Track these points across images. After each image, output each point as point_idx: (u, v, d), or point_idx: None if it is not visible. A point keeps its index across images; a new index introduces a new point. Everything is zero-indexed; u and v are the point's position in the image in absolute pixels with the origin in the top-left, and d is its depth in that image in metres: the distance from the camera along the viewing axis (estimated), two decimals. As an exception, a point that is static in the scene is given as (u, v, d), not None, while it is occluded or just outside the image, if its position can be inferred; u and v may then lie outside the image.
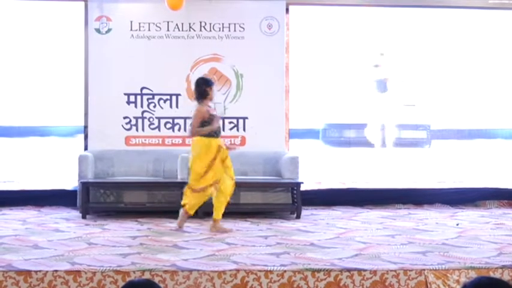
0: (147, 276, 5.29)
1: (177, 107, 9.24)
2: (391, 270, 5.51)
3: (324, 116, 10.18)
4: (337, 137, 10.38)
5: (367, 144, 10.15)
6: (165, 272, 5.41)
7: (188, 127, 7.67)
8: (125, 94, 9.24)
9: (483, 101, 10.23)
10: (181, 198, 8.24)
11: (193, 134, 7.50)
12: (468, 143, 10.34)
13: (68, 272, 5.36)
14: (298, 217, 8.49)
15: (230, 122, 9.26)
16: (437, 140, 10.38)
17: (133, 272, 5.39)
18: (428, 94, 10.17)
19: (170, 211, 8.39)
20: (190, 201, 7.54)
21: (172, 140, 9.23)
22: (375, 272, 5.49)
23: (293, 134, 9.70)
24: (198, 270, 5.44)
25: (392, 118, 10.15)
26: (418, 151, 10.39)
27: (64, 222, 8.09)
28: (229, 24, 9.29)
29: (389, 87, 10.08)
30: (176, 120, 9.24)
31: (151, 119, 9.25)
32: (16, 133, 9.85)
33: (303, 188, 8.74)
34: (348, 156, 10.18)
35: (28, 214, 8.63)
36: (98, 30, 9.21)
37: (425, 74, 10.13)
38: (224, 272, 5.42)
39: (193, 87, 7.81)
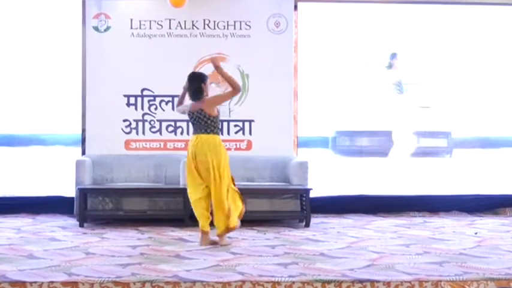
0: (148, 287, 5.29)
1: (179, 109, 9.15)
2: (406, 282, 5.47)
3: (334, 123, 10.16)
4: (348, 145, 10.31)
5: (381, 153, 10.06)
6: (167, 283, 5.38)
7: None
8: (125, 96, 9.19)
9: (505, 108, 10.05)
10: (184, 205, 8.23)
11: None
12: (490, 152, 10.22)
13: (64, 283, 5.36)
14: (307, 225, 8.43)
15: (236, 125, 9.21)
16: (459, 149, 10.26)
17: (134, 283, 5.36)
18: (447, 97, 10.05)
19: (172, 219, 8.40)
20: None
21: (174, 144, 9.13)
22: (388, 284, 5.45)
23: (300, 143, 9.62)
24: (201, 282, 5.40)
25: (409, 124, 10.06)
26: (437, 161, 10.26)
27: (60, 230, 8.07)
28: (234, 22, 9.25)
29: (406, 87, 9.96)
30: (178, 123, 9.15)
31: (152, 122, 9.20)
32: (17, 142, 9.98)
33: (312, 194, 8.65)
34: (361, 167, 10.08)
35: (23, 222, 8.62)
36: (96, 28, 9.19)
37: (443, 75, 10.02)
38: (229, 283, 5.39)
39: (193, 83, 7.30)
